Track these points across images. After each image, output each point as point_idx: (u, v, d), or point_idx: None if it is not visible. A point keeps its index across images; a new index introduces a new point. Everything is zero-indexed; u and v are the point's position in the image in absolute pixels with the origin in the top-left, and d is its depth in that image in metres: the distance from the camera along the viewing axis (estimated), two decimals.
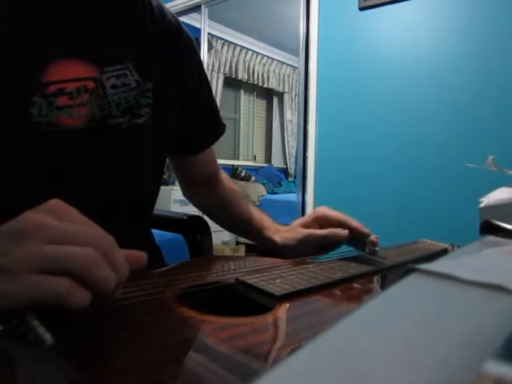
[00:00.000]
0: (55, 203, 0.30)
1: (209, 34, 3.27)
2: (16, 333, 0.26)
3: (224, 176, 0.81)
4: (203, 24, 3.05)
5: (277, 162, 5.53)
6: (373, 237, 0.56)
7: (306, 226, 0.61)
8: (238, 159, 5.11)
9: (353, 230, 0.57)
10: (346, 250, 0.59)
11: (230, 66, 4.68)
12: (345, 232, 0.57)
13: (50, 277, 0.26)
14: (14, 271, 0.26)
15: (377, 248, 0.55)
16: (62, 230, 0.28)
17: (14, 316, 0.26)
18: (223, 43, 4.52)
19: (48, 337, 0.25)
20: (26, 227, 0.28)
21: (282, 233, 0.66)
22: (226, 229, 0.79)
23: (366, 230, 0.56)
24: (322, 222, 0.60)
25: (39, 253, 0.27)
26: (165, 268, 0.49)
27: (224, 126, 0.78)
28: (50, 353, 0.25)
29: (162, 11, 0.64)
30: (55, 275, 0.27)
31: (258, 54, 5.02)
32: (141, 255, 0.33)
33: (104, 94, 0.52)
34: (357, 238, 0.57)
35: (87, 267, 0.27)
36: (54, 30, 0.49)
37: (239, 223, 0.74)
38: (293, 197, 2.84)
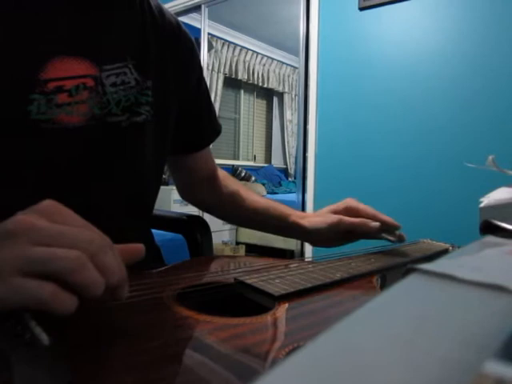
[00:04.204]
0: (48, 204, 0.30)
1: (209, 33, 3.27)
2: (12, 333, 0.25)
3: (224, 173, 0.81)
4: (203, 24, 3.06)
5: (277, 162, 5.53)
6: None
7: (336, 213, 0.62)
8: (238, 159, 5.11)
9: (384, 223, 0.58)
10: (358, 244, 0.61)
11: (230, 66, 4.68)
12: (376, 224, 0.58)
13: (34, 281, 0.25)
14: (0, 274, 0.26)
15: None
16: (50, 232, 0.28)
17: (10, 316, 0.26)
18: (223, 43, 4.52)
19: (45, 337, 0.24)
20: (15, 229, 0.27)
21: (310, 217, 0.66)
22: (240, 224, 0.78)
23: (396, 223, 0.59)
24: (352, 213, 0.61)
25: (24, 254, 0.26)
26: (164, 268, 0.49)
27: (220, 126, 0.79)
28: (47, 353, 0.24)
29: (161, 11, 0.64)
30: (41, 279, 0.26)
31: (258, 54, 5.02)
32: (137, 248, 0.32)
33: (103, 92, 0.52)
34: (386, 231, 0.59)
35: (72, 269, 0.26)
36: (53, 27, 0.49)
37: (256, 215, 0.72)
38: (293, 197, 2.83)
